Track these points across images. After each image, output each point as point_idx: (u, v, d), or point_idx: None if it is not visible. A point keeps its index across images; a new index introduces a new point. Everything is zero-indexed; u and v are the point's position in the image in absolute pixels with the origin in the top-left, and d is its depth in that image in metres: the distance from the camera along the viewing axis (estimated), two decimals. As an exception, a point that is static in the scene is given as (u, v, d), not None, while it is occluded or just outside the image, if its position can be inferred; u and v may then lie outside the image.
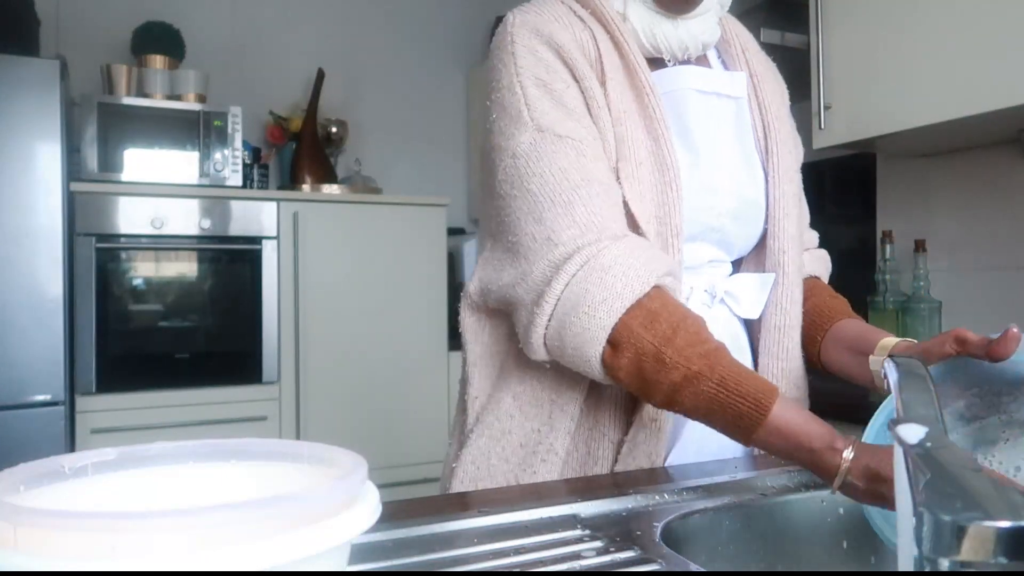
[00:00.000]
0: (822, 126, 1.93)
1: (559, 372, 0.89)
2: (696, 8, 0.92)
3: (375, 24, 3.38)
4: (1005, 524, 0.36)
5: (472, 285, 0.94)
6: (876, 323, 2.11)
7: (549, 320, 0.82)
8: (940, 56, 1.69)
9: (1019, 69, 1.55)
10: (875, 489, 0.65)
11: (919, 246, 2.05)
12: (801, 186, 1.06)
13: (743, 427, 0.72)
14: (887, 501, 0.65)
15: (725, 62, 1.01)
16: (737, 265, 0.99)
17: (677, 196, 0.87)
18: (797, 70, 2.02)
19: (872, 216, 2.26)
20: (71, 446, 2.35)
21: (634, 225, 0.86)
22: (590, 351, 0.79)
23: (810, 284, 1.03)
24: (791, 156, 0.99)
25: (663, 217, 0.87)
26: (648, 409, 0.87)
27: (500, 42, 0.90)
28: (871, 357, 0.86)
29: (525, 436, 0.92)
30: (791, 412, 0.71)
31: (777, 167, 0.96)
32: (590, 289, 0.79)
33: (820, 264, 1.10)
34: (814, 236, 1.13)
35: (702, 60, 0.99)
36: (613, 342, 0.78)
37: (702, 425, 0.89)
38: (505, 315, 0.93)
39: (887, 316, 2.09)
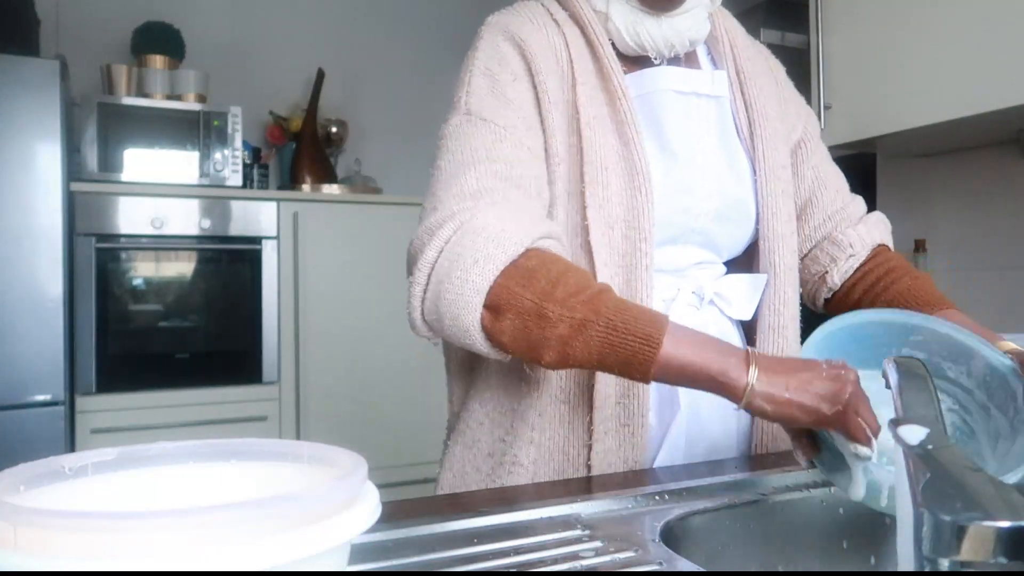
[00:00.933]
0: (822, 126, 1.93)
1: (520, 378, 0.88)
2: (681, 5, 0.91)
3: (375, 24, 3.38)
4: (1005, 524, 0.36)
5: None
6: (876, 323, 2.11)
7: (425, 291, 0.78)
8: (940, 56, 1.69)
9: (1019, 69, 1.55)
10: (780, 411, 0.66)
11: (919, 246, 2.05)
12: (827, 157, 1.07)
13: (638, 365, 0.70)
14: (795, 421, 0.66)
15: (714, 59, 1.00)
16: (733, 266, 0.98)
17: (647, 200, 0.86)
18: (797, 70, 2.01)
19: (872, 216, 2.26)
20: (71, 446, 2.35)
21: (606, 225, 0.85)
22: (467, 319, 0.74)
23: (883, 261, 1.02)
24: (780, 153, 0.97)
25: (632, 221, 0.86)
26: (618, 413, 0.85)
27: (473, 40, 0.92)
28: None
29: (492, 445, 0.91)
30: (685, 342, 0.69)
31: (764, 166, 0.94)
32: (462, 253, 0.75)
33: (880, 229, 1.06)
34: (858, 203, 1.08)
35: (691, 58, 0.98)
36: (491, 306, 0.74)
37: (687, 429, 0.89)
38: None
39: (887, 316, 2.09)
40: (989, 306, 1.99)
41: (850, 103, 1.90)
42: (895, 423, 0.54)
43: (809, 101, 2.01)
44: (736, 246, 0.96)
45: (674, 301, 0.91)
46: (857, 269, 1.03)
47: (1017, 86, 1.55)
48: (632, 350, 0.70)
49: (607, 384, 0.86)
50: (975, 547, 0.36)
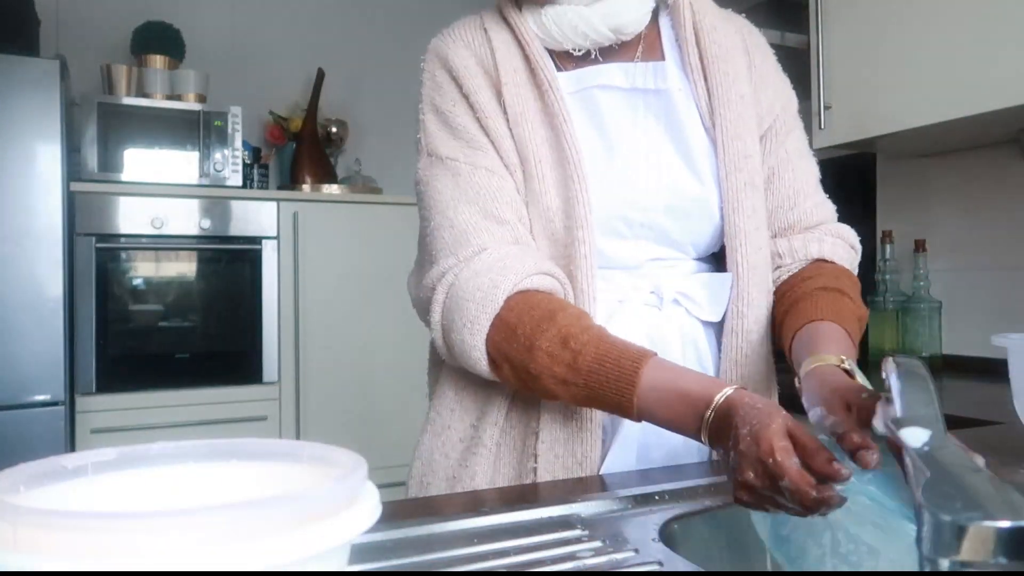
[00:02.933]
0: (822, 126, 1.93)
1: None
2: None
3: (375, 24, 3.38)
4: (1005, 524, 0.36)
5: None
6: (876, 323, 2.11)
7: (444, 345, 0.88)
8: (940, 56, 1.69)
9: (1019, 69, 1.55)
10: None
11: (919, 246, 2.05)
12: (799, 149, 0.98)
13: (622, 411, 0.76)
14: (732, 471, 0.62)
15: (679, 44, 0.95)
16: (711, 264, 0.96)
17: (581, 188, 0.86)
18: (797, 70, 2.02)
19: (872, 216, 2.26)
20: (71, 446, 2.35)
21: (546, 219, 0.88)
22: (479, 369, 0.84)
23: (808, 271, 0.94)
24: (745, 142, 0.91)
25: (568, 210, 0.87)
26: (562, 406, 0.87)
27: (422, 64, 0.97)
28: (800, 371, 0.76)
29: (464, 431, 0.92)
30: (655, 404, 0.73)
31: (724, 157, 0.90)
32: (455, 318, 0.84)
33: (826, 243, 0.96)
34: (819, 208, 0.99)
35: (652, 46, 0.94)
36: (491, 358, 0.83)
37: (641, 433, 0.88)
38: None
39: (887, 316, 2.09)
40: (989, 306, 1.99)
41: (850, 103, 1.90)
42: (896, 424, 0.54)
43: (809, 101, 2.02)
44: (701, 242, 0.93)
45: (628, 301, 0.90)
46: (784, 280, 0.95)
47: (1017, 86, 1.55)
48: (613, 401, 0.76)
49: None
50: (975, 547, 0.36)
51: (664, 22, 0.96)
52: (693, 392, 0.70)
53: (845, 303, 0.87)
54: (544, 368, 0.78)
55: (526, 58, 0.91)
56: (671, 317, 0.91)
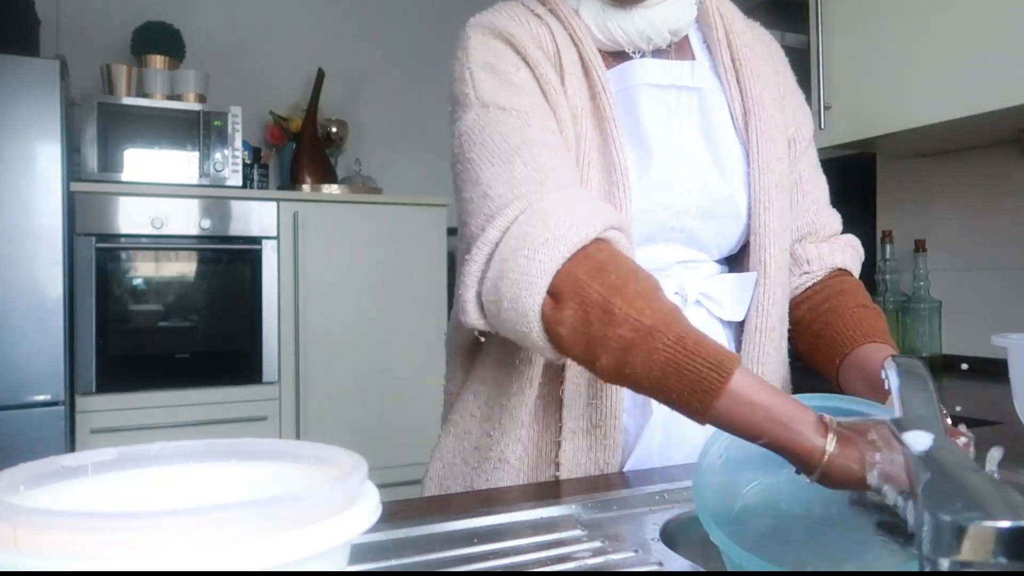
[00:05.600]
0: (822, 126, 1.93)
1: (511, 374, 0.87)
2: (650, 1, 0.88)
3: (375, 24, 3.38)
4: (1005, 524, 0.36)
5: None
6: (876, 323, 2.11)
7: (484, 272, 0.74)
8: (940, 56, 1.69)
9: (1019, 69, 1.55)
10: (849, 483, 0.57)
11: (919, 246, 2.05)
12: (815, 164, 1.02)
13: (702, 393, 0.62)
14: (859, 488, 0.57)
15: (709, 46, 0.96)
16: (727, 265, 0.96)
17: (624, 198, 0.84)
18: (797, 70, 2.01)
19: (872, 216, 2.26)
20: (71, 446, 2.35)
21: None
22: (528, 302, 0.70)
23: (838, 284, 0.96)
24: (777, 144, 0.93)
25: None
26: (589, 414, 0.85)
27: (458, 41, 0.90)
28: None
29: (480, 439, 0.90)
30: (757, 381, 0.63)
31: (757, 157, 0.91)
32: (530, 232, 0.71)
33: (847, 254, 1.00)
34: (833, 219, 1.03)
35: (682, 47, 0.95)
36: (555, 292, 0.70)
37: (662, 433, 0.87)
38: None
39: (887, 316, 2.09)
40: (989, 306, 1.99)
41: (850, 103, 1.90)
42: (897, 424, 0.54)
43: (809, 101, 2.01)
44: (726, 244, 0.93)
45: None
46: (809, 287, 0.98)
47: (1017, 86, 1.55)
48: (699, 374, 0.63)
49: (578, 383, 0.85)
50: (975, 547, 0.36)
51: (692, 25, 0.97)
52: (792, 400, 0.62)
53: (883, 322, 0.91)
54: (632, 312, 0.66)
55: (578, 52, 0.89)
56: (693, 318, 0.89)
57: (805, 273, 0.98)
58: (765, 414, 0.60)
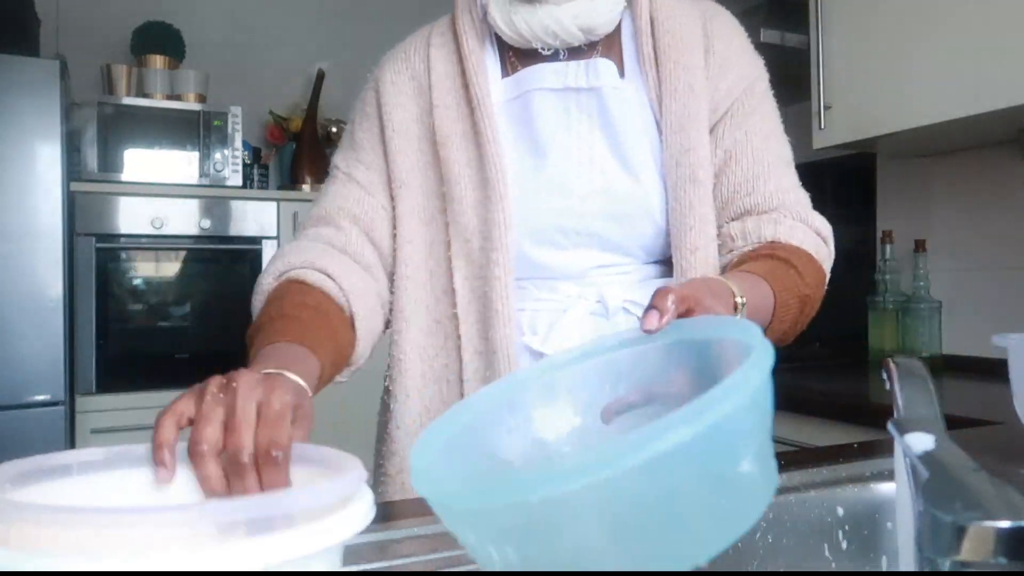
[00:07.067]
0: (822, 126, 1.93)
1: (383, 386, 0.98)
2: None
3: (375, 24, 3.38)
4: (1005, 524, 0.35)
5: None
6: (876, 323, 2.11)
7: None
8: (940, 56, 1.69)
9: (1019, 69, 1.55)
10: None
11: (919, 246, 2.05)
12: (762, 130, 0.91)
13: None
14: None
15: (637, 39, 0.92)
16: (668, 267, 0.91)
17: (500, 208, 0.86)
18: (797, 70, 2.02)
19: (872, 216, 2.26)
20: (71, 446, 2.35)
21: (463, 238, 0.89)
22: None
23: (767, 248, 0.86)
24: (689, 133, 0.87)
25: (487, 232, 0.87)
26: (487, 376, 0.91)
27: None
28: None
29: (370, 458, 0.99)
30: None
31: (668, 152, 0.87)
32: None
33: (784, 227, 0.88)
34: (788, 195, 0.91)
35: (611, 43, 0.92)
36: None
37: None
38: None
39: (887, 316, 2.09)
40: (989, 306, 1.99)
41: (850, 103, 1.90)
42: (897, 424, 0.54)
43: (809, 101, 2.02)
44: (647, 245, 0.90)
45: (572, 310, 0.88)
46: (730, 262, 0.89)
47: (1017, 86, 1.54)
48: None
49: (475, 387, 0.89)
50: (975, 547, 0.36)
51: (624, 15, 0.93)
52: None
53: (790, 274, 0.81)
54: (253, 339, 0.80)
55: (463, 72, 0.91)
56: (618, 325, 0.88)
57: (730, 251, 0.90)
58: None
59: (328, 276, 0.84)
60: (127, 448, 0.48)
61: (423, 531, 0.65)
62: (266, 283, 0.85)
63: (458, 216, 0.89)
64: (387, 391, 0.96)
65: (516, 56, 0.93)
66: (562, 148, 0.88)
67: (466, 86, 0.90)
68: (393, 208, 0.93)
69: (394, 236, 0.93)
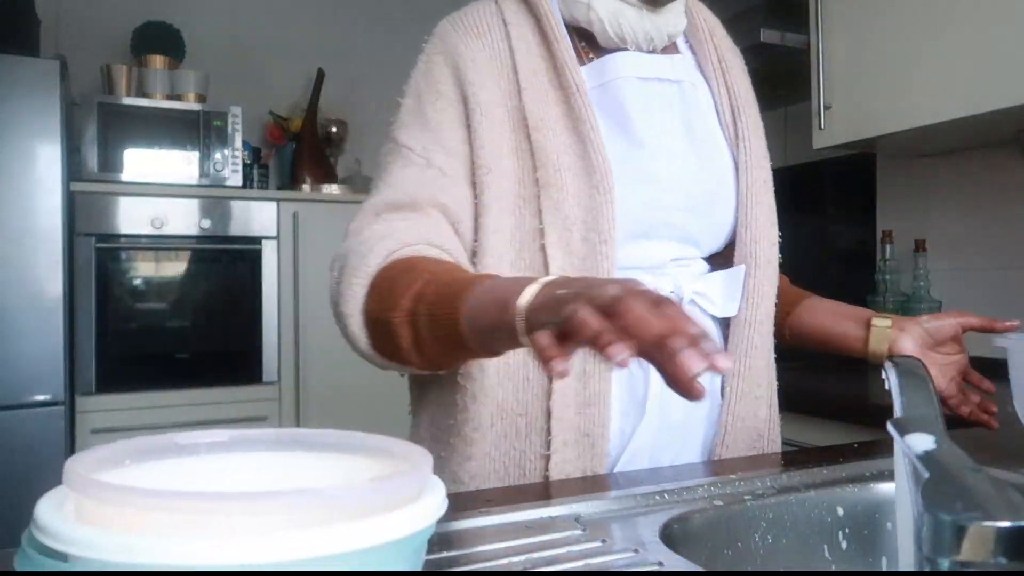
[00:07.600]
0: (822, 126, 1.93)
1: (455, 391, 0.86)
2: (669, 4, 0.91)
3: (375, 24, 3.38)
4: (1005, 524, 0.36)
5: None
6: (876, 323, 2.11)
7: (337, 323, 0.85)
8: (940, 56, 1.69)
9: (1019, 69, 1.55)
10: (545, 313, 0.56)
11: (919, 246, 2.05)
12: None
13: (458, 338, 0.68)
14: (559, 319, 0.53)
15: (692, 46, 0.99)
16: (714, 261, 0.95)
17: (606, 199, 0.83)
18: (797, 70, 2.02)
19: (872, 216, 2.26)
20: (71, 446, 2.35)
21: (563, 227, 0.84)
22: (364, 349, 0.82)
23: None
24: (763, 143, 0.96)
25: (591, 222, 0.84)
26: (578, 423, 0.83)
27: (428, 36, 0.94)
28: (875, 320, 0.99)
29: (467, 451, 0.87)
30: (471, 305, 0.66)
31: (747, 154, 0.93)
32: (336, 299, 0.83)
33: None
34: None
35: (667, 49, 0.96)
36: (370, 332, 0.79)
37: (655, 436, 0.87)
38: None
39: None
40: (989, 306, 1.99)
41: (850, 103, 1.90)
42: (896, 424, 0.54)
43: (809, 101, 2.02)
44: (715, 240, 0.93)
45: None
46: None
47: (1017, 86, 1.55)
48: (448, 327, 0.68)
49: (566, 394, 0.83)
50: (975, 547, 0.36)
51: None
52: (505, 286, 0.64)
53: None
54: (400, 310, 0.72)
55: (551, 55, 0.89)
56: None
57: None
58: (487, 327, 0.64)
59: (447, 252, 0.81)
60: (250, 432, 0.48)
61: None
62: (373, 262, 0.78)
63: (559, 205, 0.84)
64: (461, 390, 0.86)
65: (588, 45, 0.93)
66: (651, 138, 0.89)
67: (554, 69, 0.88)
68: (475, 196, 0.86)
69: (475, 227, 0.87)
